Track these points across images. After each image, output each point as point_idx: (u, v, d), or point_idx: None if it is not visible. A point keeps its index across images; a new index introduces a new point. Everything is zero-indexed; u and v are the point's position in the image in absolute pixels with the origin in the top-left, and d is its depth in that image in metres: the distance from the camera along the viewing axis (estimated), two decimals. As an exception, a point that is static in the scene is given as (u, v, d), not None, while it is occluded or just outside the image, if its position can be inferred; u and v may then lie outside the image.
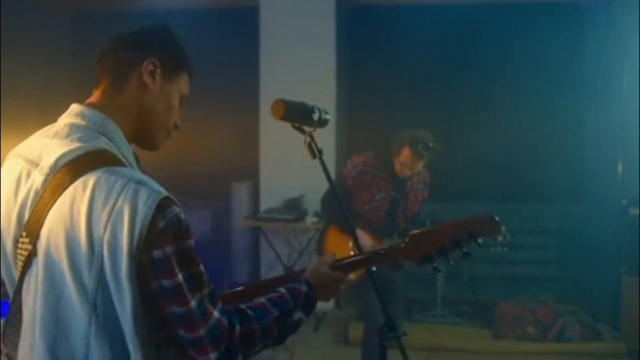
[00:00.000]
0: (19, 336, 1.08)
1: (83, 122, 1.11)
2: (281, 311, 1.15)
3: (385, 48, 5.15)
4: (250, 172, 5.02)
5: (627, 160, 4.39)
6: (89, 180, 1.01)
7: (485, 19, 4.99)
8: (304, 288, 1.23)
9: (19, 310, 1.09)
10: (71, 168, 1.04)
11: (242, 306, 1.12)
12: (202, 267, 1.04)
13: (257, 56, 4.84)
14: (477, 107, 5.07)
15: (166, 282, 1.00)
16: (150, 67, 1.15)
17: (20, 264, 1.07)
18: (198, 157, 4.97)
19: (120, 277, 0.98)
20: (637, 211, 3.82)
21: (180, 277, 1.00)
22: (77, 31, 5.62)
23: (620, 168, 4.45)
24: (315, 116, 1.48)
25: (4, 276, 1.15)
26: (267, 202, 4.83)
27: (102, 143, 1.09)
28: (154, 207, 0.99)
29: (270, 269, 4.75)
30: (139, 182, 1.01)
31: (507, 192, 5.02)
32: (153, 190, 1.00)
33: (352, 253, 3.09)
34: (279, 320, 1.14)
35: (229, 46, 5.18)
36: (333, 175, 3.23)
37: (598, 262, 4.55)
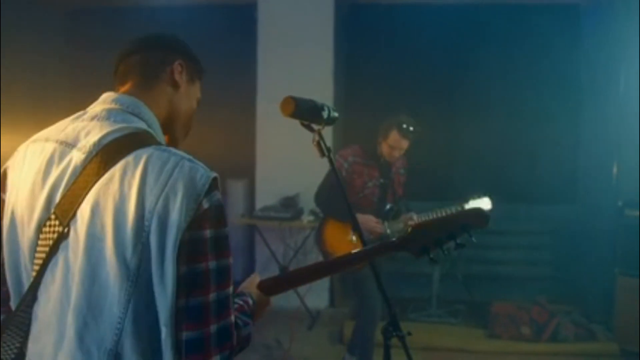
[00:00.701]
0: (19, 338, 1.02)
1: (120, 107, 1.11)
2: (251, 321, 1.13)
3: (382, 46, 5.15)
4: (247, 170, 5.01)
5: (622, 162, 4.40)
6: (141, 155, 1.00)
7: (483, 19, 4.99)
8: (251, 301, 1.19)
9: (26, 310, 1.03)
10: (119, 145, 1.02)
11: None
12: (231, 261, 1.02)
13: (254, 53, 4.82)
14: (473, 107, 5.07)
15: (195, 266, 0.96)
16: (179, 68, 1.18)
17: (45, 250, 1.01)
18: (194, 154, 4.92)
19: (167, 252, 0.94)
20: (633, 213, 3.82)
21: (211, 264, 0.98)
22: (71, 26, 5.58)
23: (615, 170, 4.46)
24: (325, 114, 1.47)
25: (9, 277, 1.07)
26: (263, 200, 4.82)
27: (144, 125, 1.09)
28: (207, 186, 0.98)
29: (265, 268, 4.73)
30: (191, 160, 1.01)
31: (502, 192, 4.99)
32: (206, 170, 1.00)
33: (353, 238, 3.22)
34: (250, 332, 1.11)
35: (226, 43, 5.15)
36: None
37: (592, 263, 4.56)
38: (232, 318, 1.00)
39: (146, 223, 0.95)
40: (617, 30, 4.47)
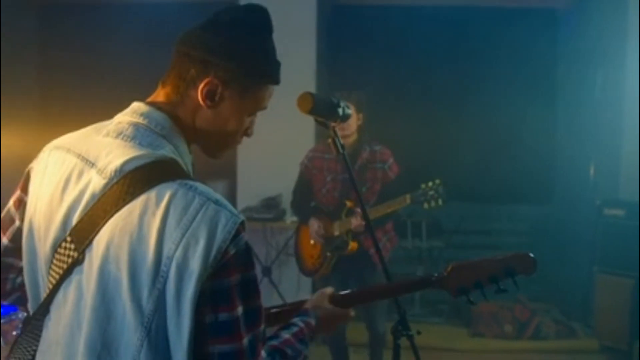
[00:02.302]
0: (36, 342, 1.00)
1: (149, 125, 1.01)
2: (306, 348, 1.11)
3: (364, 47, 5.16)
4: (228, 171, 4.94)
5: (599, 163, 4.50)
6: (164, 192, 0.93)
7: (461, 23, 5.05)
8: (313, 323, 1.17)
9: (40, 318, 1.00)
10: (141, 176, 0.95)
11: (277, 343, 1.05)
12: (261, 302, 0.97)
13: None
14: (451, 108, 5.12)
15: (223, 315, 0.91)
16: (207, 87, 1.02)
17: (59, 271, 0.97)
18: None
19: (183, 302, 0.89)
20: (612, 212, 3.91)
21: (239, 310, 0.92)
22: (46, 22, 5.45)
23: (592, 170, 4.56)
24: (340, 111, 1.45)
25: (27, 280, 1.05)
26: (245, 201, 4.76)
27: (170, 152, 1.00)
28: (232, 232, 0.91)
29: (248, 269, 4.68)
30: (217, 202, 0.93)
31: (481, 193, 5.09)
32: (232, 214, 0.93)
33: (311, 242, 3.10)
34: (304, 358, 1.10)
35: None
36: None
37: (570, 261, 4.65)
38: (264, 354, 0.97)
39: (164, 269, 0.90)
40: (593, 34, 4.58)
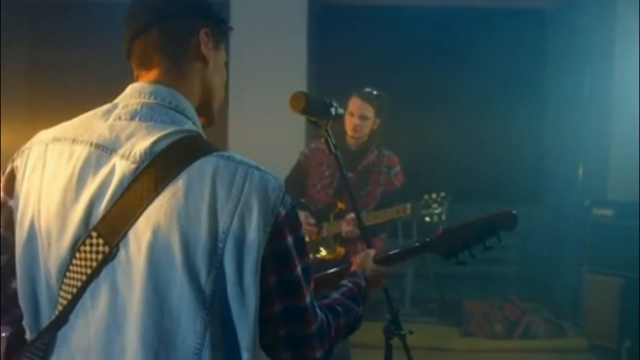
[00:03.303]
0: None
1: (163, 102, 0.96)
2: (357, 305, 1.14)
3: (355, 47, 5.17)
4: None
5: (588, 163, 4.54)
6: (206, 167, 0.88)
7: (450, 23, 5.07)
8: (363, 282, 1.22)
9: (49, 334, 0.90)
10: (176, 154, 0.89)
11: (328, 302, 1.08)
12: (310, 257, 0.99)
13: (226, 53, 4.77)
14: (440, 108, 5.14)
15: (287, 276, 0.91)
16: (206, 38, 1.00)
17: (84, 271, 0.89)
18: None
19: (246, 275, 0.87)
20: (601, 212, 3.93)
21: (299, 269, 0.92)
22: (35, 20, 5.40)
23: (581, 171, 4.59)
24: (333, 110, 1.45)
25: (22, 293, 0.93)
26: (236, 201, 4.76)
27: (192, 126, 0.96)
28: (281, 196, 0.90)
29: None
30: (258, 169, 0.91)
31: (470, 193, 5.10)
32: (275, 178, 0.92)
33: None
34: (356, 315, 1.13)
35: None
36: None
37: (559, 261, 4.68)
38: (319, 310, 0.99)
39: (219, 245, 0.86)
40: (581, 35, 4.61)
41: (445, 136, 5.03)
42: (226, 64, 1.10)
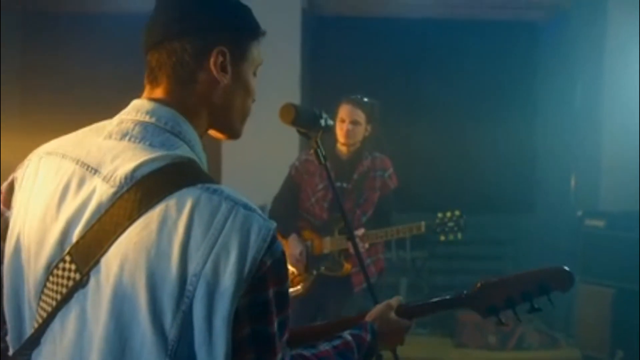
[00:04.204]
0: None
1: (158, 123, 0.89)
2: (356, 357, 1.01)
3: (348, 58, 5.20)
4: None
5: (580, 174, 4.57)
6: (186, 199, 0.80)
7: (443, 35, 5.11)
8: (369, 337, 1.07)
9: (25, 353, 0.86)
10: (157, 182, 0.82)
11: (308, 354, 0.96)
12: (290, 312, 0.88)
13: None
14: (433, 119, 5.17)
15: (261, 329, 0.82)
16: (220, 58, 0.92)
17: (54, 296, 0.83)
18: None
19: (216, 324, 0.77)
20: (593, 222, 3.96)
21: (275, 325, 0.83)
22: (30, 30, 5.40)
23: (573, 181, 4.62)
24: (322, 122, 1.45)
25: (7, 309, 0.89)
26: (229, 211, 4.75)
27: (186, 151, 0.88)
28: (268, 241, 0.80)
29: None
30: (246, 207, 0.81)
31: (462, 203, 5.09)
32: (264, 220, 0.82)
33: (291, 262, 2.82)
34: None
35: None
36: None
37: (552, 271, 4.69)
38: None
39: (189, 288, 0.78)
40: (572, 47, 4.66)
41: (436, 146, 5.06)
42: (258, 67, 1.02)
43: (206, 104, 0.94)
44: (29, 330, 0.88)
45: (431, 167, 5.04)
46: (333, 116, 2.94)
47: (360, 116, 2.87)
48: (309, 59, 5.08)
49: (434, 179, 5.00)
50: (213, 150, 4.84)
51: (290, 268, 2.94)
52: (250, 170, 4.57)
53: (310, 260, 2.90)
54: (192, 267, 0.78)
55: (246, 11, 0.98)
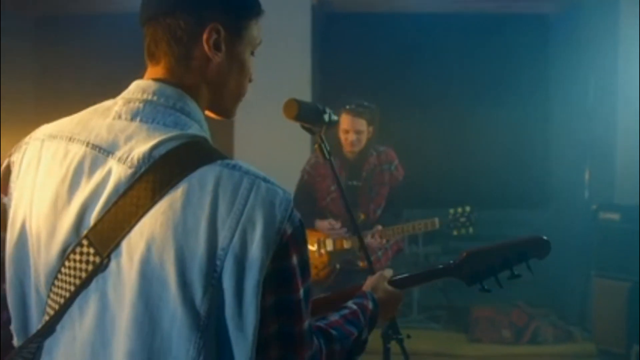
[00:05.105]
0: None
1: (167, 102, 0.89)
2: (358, 330, 1.05)
3: (359, 54, 5.19)
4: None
5: (594, 168, 4.52)
6: (208, 176, 0.81)
7: (454, 29, 5.08)
8: (370, 305, 1.12)
9: (36, 341, 0.85)
10: (176, 160, 0.82)
11: (322, 324, 1.00)
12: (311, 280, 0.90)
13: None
14: (446, 116, 5.15)
15: (287, 297, 0.84)
16: (214, 35, 0.91)
17: (72, 281, 0.83)
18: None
19: (246, 294, 0.79)
20: (608, 216, 3.92)
21: (301, 292, 0.85)
22: (40, 32, 5.46)
23: (587, 175, 4.58)
24: (326, 117, 1.46)
25: (11, 298, 0.88)
26: (241, 208, 4.77)
27: (197, 129, 0.89)
28: (289, 211, 0.82)
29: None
30: (266, 180, 0.84)
31: (476, 199, 5.07)
32: (284, 192, 0.84)
33: (316, 255, 3.01)
34: (356, 340, 1.04)
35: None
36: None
37: (566, 266, 4.65)
38: (314, 336, 0.91)
39: (218, 262, 0.79)
40: (586, 39, 4.61)
41: (450, 142, 5.04)
42: (256, 47, 1.01)
43: (204, 81, 0.94)
44: (35, 318, 0.87)
45: (444, 163, 5.03)
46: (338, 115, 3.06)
47: (362, 124, 3.00)
48: (319, 55, 5.08)
49: (447, 175, 4.98)
50: (225, 145, 4.88)
51: (315, 263, 3.07)
52: (261, 168, 4.56)
53: (333, 255, 3.04)
54: (221, 241, 0.79)
55: None
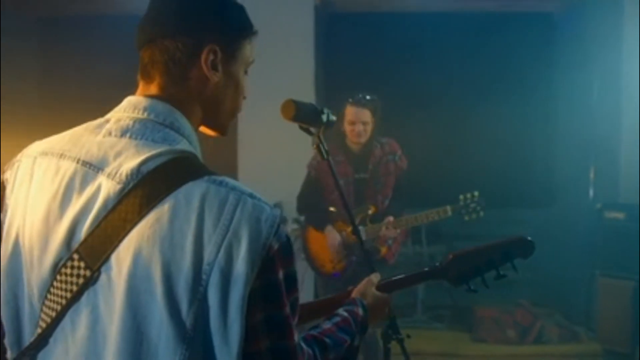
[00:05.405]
0: None
1: (157, 119, 0.91)
2: (350, 337, 1.07)
3: (362, 54, 5.19)
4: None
5: (599, 166, 4.51)
6: (194, 192, 0.83)
7: (458, 28, 5.07)
8: (361, 311, 1.15)
9: (29, 354, 0.87)
10: (164, 176, 0.84)
11: (315, 333, 1.02)
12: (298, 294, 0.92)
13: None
14: (449, 113, 5.14)
15: (276, 313, 0.85)
16: (211, 57, 0.95)
17: (64, 294, 0.85)
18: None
19: (231, 309, 0.81)
20: (612, 215, 3.91)
21: (288, 307, 0.87)
22: (45, 33, 5.48)
23: (592, 174, 4.56)
24: (324, 117, 1.46)
25: (4, 311, 0.90)
26: (245, 208, 4.78)
27: (186, 145, 0.91)
28: (275, 227, 0.84)
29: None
30: (252, 196, 0.85)
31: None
32: (271, 208, 0.86)
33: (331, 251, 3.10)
34: (349, 347, 1.06)
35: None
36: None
37: (571, 265, 4.64)
38: (304, 345, 0.93)
39: (204, 277, 0.81)
40: (589, 38, 4.60)
41: (454, 141, 5.03)
42: (248, 67, 1.04)
43: (199, 100, 0.97)
44: (28, 332, 0.89)
45: (448, 162, 5.02)
46: (339, 114, 3.14)
47: (367, 115, 3.08)
48: (322, 55, 5.08)
49: (450, 174, 4.96)
50: (229, 147, 4.89)
51: (331, 256, 3.16)
52: (265, 168, 4.59)
53: (348, 248, 3.12)
54: (206, 256, 0.81)
55: (238, 10, 1.00)
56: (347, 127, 3.11)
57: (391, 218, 3.04)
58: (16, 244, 0.90)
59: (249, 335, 0.83)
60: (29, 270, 0.89)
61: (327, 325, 1.06)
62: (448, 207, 2.99)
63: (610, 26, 4.34)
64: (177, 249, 0.81)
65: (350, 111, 3.08)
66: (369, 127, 3.09)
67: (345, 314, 1.11)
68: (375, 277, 1.28)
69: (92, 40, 4.90)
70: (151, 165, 0.86)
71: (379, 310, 1.24)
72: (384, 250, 3.14)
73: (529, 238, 1.27)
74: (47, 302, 0.87)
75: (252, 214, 0.83)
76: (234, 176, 4.94)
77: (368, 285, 1.25)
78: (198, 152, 0.94)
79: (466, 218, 3.03)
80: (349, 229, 3.12)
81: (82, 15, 5.20)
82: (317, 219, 3.22)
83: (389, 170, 3.18)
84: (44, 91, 5.20)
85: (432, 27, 4.94)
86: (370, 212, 3.06)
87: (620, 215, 3.91)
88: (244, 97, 1.05)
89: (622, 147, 4.21)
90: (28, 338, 0.89)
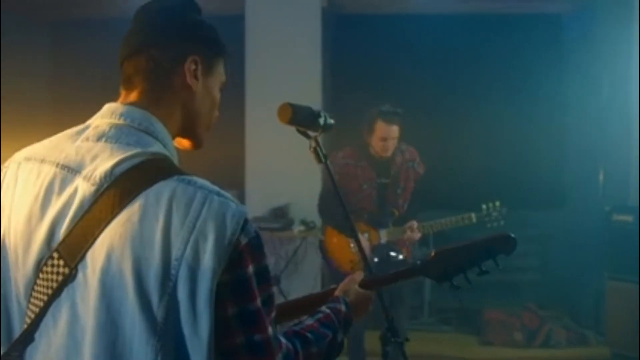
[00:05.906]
0: None
1: (132, 124, 0.96)
2: (332, 332, 1.10)
3: (369, 55, 5.19)
4: (236, 181, 4.97)
5: (608, 169, 4.48)
6: (163, 191, 0.87)
7: (466, 30, 5.06)
8: (343, 308, 1.18)
9: (19, 348, 0.91)
10: (135, 177, 0.89)
11: (297, 329, 1.06)
12: (273, 290, 0.95)
13: (242, 64, 4.81)
14: (459, 115, 5.12)
15: (247, 307, 0.89)
16: (193, 66, 1.00)
17: (46, 291, 0.90)
18: (182, 165, 4.89)
19: (199, 302, 0.84)
20: (622, 217, 3.88)
21: (259, 300, 0.90)
22: (57, 37, 5.52)
23: (601, 176, 4.53)
24: (321, 120, 1.45)
25: None
26: (253, 210, 4.77)
27: (160, 148, 0.96)
28: (241, 223, 0.87)
29: (256, 278, 4.69)
30: (219, 194, 0.89)
31: (489, 199, 5.06)
32: (237, 205, 0.89)
33: (352, 246, 3.15)
34: (331, 342, 1.09)
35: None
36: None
37: (580, 268, 4.62)
38: (283, 339, 0.96)
39: (172, 272, 0.85)
40: (599, 39, 4.57)
41: (464, 142, 5.01)
42: (223, 85, 1.09)
43: (179, 107, 1.02)
44: (18, 329, 0.94)
45: (456, 164, 5.00)
46: (363, 123, 3.25)
47: (397, 131, 3.20)
48: (329, 57, 5.09)
49: (459, 177, 4.95)
50: (237, 151, 4.90)
51: (351, 257, 3.23)
52: (273, 170, 4.60)
53: (369, 249, 3.21)
54: (174, 252, 0.85)
55: (215, 31, 1.07)
56: (378, 143, 3.19)
57: (415, 222, 3.17)
58: (3, 245, 0.95)
59: (223, 330, 0.87)
60: (15, 270, 0.93)
61: (309, 321, 1.10)
62: (472, 215, 3.18)
63: (619, 27, 4.31)
64: (147, 246, 0.85)
65: (382, 128, 3.16)
66: (397, 140, 3.21)
67: (328, 310, 1.15)
68: (358, 276, 1.31)
69: (97, 43, 4.92)
70: (124, 167, 0.90)
71: (362, 307, 1.27)
72: (405, 252, 3.24)
73: (512, 235, 1.28)
74: (31, 300, 0.91)
75: (218, 211, 0.87)
76: (242, 181, 4.96)
77: (351, 283, 1.28)
78: (174, 156, 0.99)
79: (488, 226, 3.21)
80: (371, 230, 3.22)
81: (87, 18, 5.24)
82: (338, 222, 3.22)
83: (409, 176, 3.31)
84: (47, 92, 5.24)
85: (440, 29, 4.93)
86: (394, 216, 3.22)
87: (629, 218, 3.88)
88: (217, 114, 1.09)
89: (632, 149, 4.18)
90: (17, 334, 0.94)
